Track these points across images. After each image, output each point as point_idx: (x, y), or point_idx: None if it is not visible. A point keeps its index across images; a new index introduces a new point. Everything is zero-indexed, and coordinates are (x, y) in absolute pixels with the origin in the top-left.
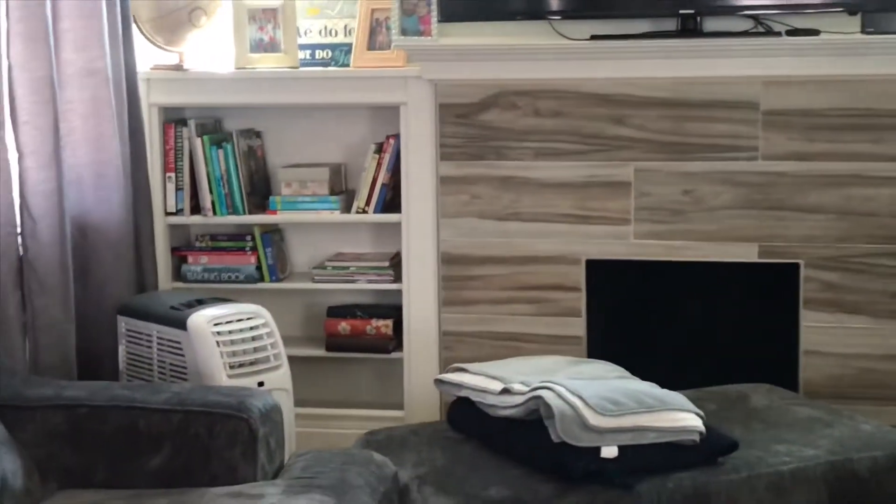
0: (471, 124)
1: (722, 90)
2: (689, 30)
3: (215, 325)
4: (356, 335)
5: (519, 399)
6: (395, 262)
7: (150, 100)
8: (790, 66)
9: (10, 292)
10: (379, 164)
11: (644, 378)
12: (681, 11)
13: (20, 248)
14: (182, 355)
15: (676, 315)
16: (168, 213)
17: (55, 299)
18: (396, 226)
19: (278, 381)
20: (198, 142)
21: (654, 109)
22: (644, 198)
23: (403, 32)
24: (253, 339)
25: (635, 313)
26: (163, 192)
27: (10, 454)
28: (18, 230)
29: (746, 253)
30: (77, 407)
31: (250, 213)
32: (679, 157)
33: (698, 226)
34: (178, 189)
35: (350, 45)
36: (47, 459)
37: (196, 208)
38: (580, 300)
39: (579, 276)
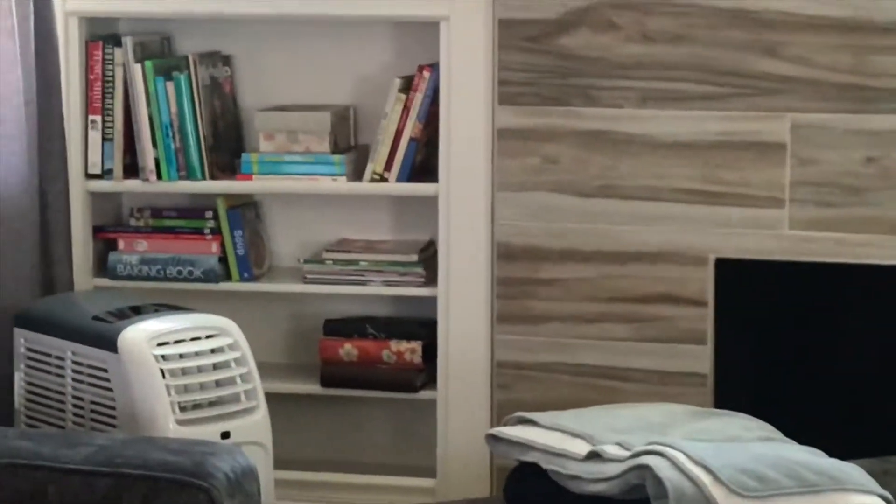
0: (545, 51)
1: None
2: None
3: (159, 344)
4: (367, 364)
5: (614, 468)
6: (428, 257)
7: (68, 7)
8: None
9: None
10: (406, 109)
11: (801, 440)
12: None
13: None
14: (109, 389)
15: (852, 345)
16: (90, 176)
17: None
18: (431, 201)
19: (252, 432)
20: (137, 70)
21: (824, 35)
22: (806, 167)
23: None
24: (215, 367)
25: (790, 341)
26: (83, 145)
27: None
28: None
29: None
30: None
31: (213, 177)
32: (859, 108)
33: (888, 211)
34: (106, 140)
35: None
36: None
37: (132, 169)
38: (706, 319)
39: (705, 282)
